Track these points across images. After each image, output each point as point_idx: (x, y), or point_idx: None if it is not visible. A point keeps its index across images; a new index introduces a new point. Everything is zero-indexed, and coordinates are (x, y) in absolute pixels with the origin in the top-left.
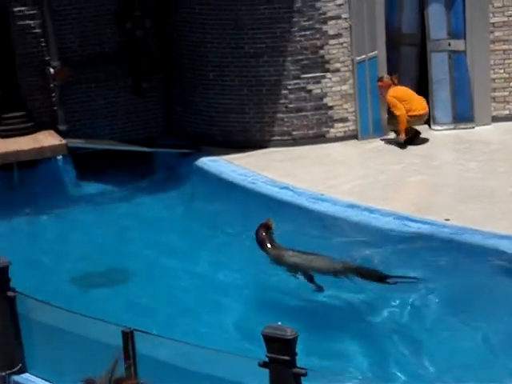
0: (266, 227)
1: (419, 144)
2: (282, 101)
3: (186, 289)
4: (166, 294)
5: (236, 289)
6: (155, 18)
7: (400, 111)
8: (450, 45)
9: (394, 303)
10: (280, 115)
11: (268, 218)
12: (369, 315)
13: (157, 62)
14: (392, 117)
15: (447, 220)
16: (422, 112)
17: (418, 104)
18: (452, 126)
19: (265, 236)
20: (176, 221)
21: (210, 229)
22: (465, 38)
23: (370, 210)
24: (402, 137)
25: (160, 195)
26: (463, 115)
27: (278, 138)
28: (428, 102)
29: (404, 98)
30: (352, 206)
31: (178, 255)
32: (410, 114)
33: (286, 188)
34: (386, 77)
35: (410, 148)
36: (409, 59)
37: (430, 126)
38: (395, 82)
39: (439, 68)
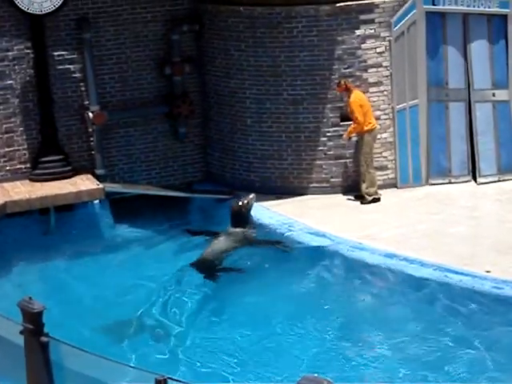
0: (242, 206)
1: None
2: (321, 148)
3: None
4: (199, 341)
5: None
6: (194, 63)
7: (361, 116)
8: (494, 95)
9: None
10: (318, 162)
11: (249, 196)
12: None
13: (195, 107)
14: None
15: (488, 272)
16: (375, 126)
17: (372, 117)
18: (497, 178)
19: (237, 210)
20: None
21: (245, 275)
22: (509, 89)
23: (409, 260)
24: (367, 192)
25: (196, 241)
26: (508, 166)
27: (316, 184)
28: (473, 153)
29: (364, 104)
30: (391, 256)
31: (210, 301)
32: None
33: (324, 236)
34: (344, 81)
35: (452, 198)
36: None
37: (474, 177)
38: (348, 85)
39: (483, 119)
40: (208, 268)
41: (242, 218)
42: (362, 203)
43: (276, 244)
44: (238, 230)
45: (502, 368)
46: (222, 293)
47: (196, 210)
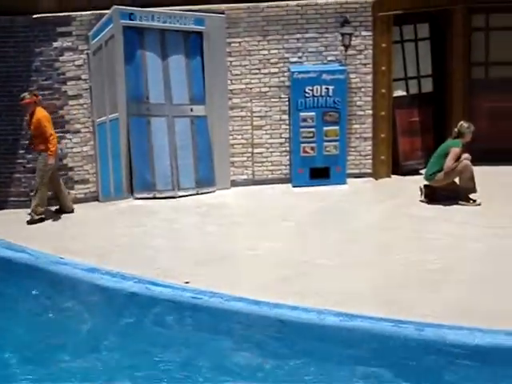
0: None
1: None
2: (20, 161)
3: None
4: None
5: None
6: None
7: (53, 132)
8: (192, 110)
9: None
10: (17, 175)
11: None
12: None
13: None
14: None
15: (187, 283)
16: (55, 147)
17: (55, 137)
18: (195, 191)
19: None
20: None
21: None
22: (205, 104)
23: (112, 274)
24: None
25: None
26: (205, 179)
27: (15, 198)
28: (173, 168)
29: (49, 120)
30: (93, 270)
31: None
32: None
33: (23, 251)
34: (28, 94)
35: (154, 211)
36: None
37: (174, 190)
38: (39, 99)
39: (182, 133)
40: None
41: None
42: (28, 223)
43: None
44: None
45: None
46: None
47: None
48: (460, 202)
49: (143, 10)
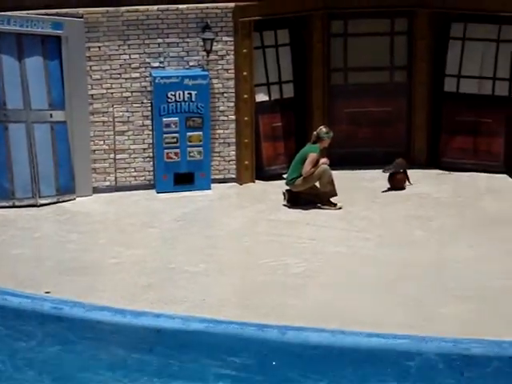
0: None
1: None
2: None
3: None
4: None
5: None
6: None
7: None
8: (51, 116)
9: None
10: None
11: None
12: None
13: None
14: None
15: (48, 293)
16: None
17: None
18: (55, 199)
19: None
20: None
21: None
22: (65, 109)
23: None
24: None
25: None
26: (65, 186)
27: None
28: (32, 175)
29: None
30: None
31: None
32: None
33: None
34: None
35: (13, 220)
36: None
37: (34, 198)
38: None
39: (42, 140)
40: None
41: None
42: None
43: None
44: None
45: None
46: None
47: None
48: (321, 206)
49: None
